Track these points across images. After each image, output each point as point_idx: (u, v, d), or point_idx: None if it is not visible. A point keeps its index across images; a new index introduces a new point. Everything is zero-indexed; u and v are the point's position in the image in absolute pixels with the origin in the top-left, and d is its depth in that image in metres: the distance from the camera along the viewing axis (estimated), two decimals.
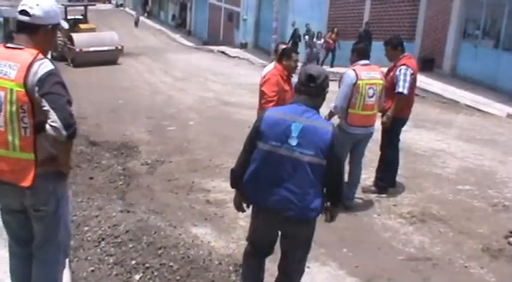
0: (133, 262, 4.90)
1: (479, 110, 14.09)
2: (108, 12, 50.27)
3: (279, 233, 3.93)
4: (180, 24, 41.71)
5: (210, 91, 16.13)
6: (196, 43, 33.60)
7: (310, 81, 3.65)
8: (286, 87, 5.99)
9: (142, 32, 38.50)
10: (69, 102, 3.20)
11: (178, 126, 11.02)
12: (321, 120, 3.70)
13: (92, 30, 25.94)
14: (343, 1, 23.05)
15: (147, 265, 4.85)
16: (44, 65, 3.16)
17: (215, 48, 29.48)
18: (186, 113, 12.61)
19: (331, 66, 21.31)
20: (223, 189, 7.12)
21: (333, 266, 5.12)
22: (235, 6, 30.59)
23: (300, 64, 8.42)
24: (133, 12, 47.46)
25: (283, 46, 6.97)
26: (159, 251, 5.13)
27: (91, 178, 7.34)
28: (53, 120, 3.08)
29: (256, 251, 4.08)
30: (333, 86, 6.24)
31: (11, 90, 3.12)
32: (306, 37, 21.70)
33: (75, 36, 23.27)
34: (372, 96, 6.10)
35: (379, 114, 6.62)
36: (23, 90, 3.11)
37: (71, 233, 4.13)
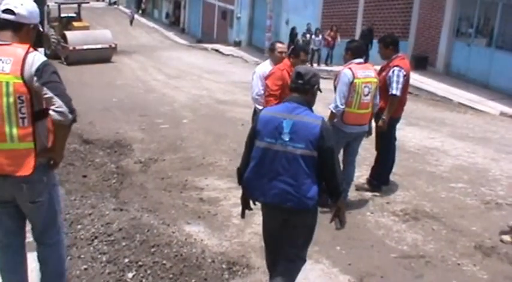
0: (127, 260, 4.89)
1: (472, 108, 14.14)
2: (101, 10, 50.08)
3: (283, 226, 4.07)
4: (174, 22, 41.66)
5: (203, 89, 16.11)
6: (190, 41, 33.59)
7: (299, 78, 3.95)
8: None
9: (136, 30, 38.44)
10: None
11: (171, 124, 11.00)
12: (311, 115, 3.88)
13: (86, 28, 25.86)
14: None
15: (140, 263, 4.85)
16: (38, 57, 3.34)
17: (209, 46, 29.47)
18: (180, 111, 12.59)
19: (326, 64, 21.31)
20: (216, 187, 7.12)
21: (326, 264, 5.13)
22: (229, 4, 30.58)
23: None
24: (128, 11, 47.35)
25: (280, 45, 7.02)
26: (152, 249, 5.12)
27: (84, 176, 7.32)
28: (58, 105, 3.28)
29: (270, 251, 4.24)
30: (328, 85, 6.32)
31: (7, 83, 3.25)
32: (307, 36, 21.65)
33: (69, 34, 23.20)
34: (367, 95, 6.10)
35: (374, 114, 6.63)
36: (20, 81, 3.26)
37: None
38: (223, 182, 7.36)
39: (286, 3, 23.45)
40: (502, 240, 5.71)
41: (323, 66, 21.04)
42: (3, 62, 3.26)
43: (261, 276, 4.77)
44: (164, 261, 4.91)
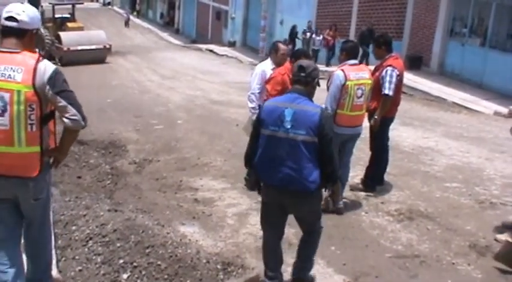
0: (121, 261, 4.87)
1: (466, 107, 14.15)
2: (96, 11, 50.03)
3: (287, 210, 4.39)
4: (168, 23, 41.64)
5: (198, 89, 16.11)
6: (185, 41, 33.57)
7: (301, 71, 4.26)
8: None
9: (130, 31, 38.39)
10: None
11: (166, 125, 10.99)
12: (311, 104, 4.18)
13: (80, 29, 25.85)
14: None
15: (134, 264, 4.83)
16: (49, 66, 3.52)
17: (203, 46, 29.47)
18: (174, 111, 12.58)
19: (327, 64, 21.18)
20: (211, 188, 7.12)
21: (321, 264, 5.12)
22: (224, 4, 30.60)
23: None
24: (123, 12, 47.28)
25: (283, 46, 7.03)
26: (147, 250, 5.10)
27: (79, 177, 7.30)
28: (72, 114, 3.54)
29: (269, 234, 4.51)
30: (324, 85, 6.31)
31: (19, 91, 3.39)
32: (307, 34, 21.58)
33: (63, 35, 23.18)
34: (360, 97, 6.10)
35: (367, 114, 6.63)
36: (31, 90, 3.41)
37: None
38: (217, 182, 7.36)
39: (280, 4, 23.49)
40: (496, 239, 5.73)
41: (323, 67, 20.97)
42: (14, 71, 3.39)
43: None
44: (159, 262, 4.90)
